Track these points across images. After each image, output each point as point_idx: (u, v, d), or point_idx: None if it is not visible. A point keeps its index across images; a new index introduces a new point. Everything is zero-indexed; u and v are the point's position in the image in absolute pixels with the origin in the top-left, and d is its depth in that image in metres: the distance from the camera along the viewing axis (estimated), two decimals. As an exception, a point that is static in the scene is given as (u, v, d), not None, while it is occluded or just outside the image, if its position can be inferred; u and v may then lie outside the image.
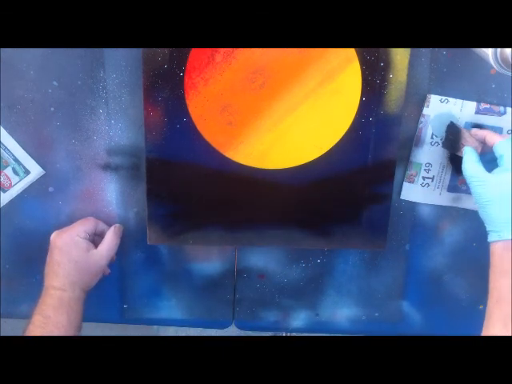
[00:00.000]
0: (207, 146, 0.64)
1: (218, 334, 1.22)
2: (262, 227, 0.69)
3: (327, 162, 0.65)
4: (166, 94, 0.62)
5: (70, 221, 0.68)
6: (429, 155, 0.68)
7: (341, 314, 0.77)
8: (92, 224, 0.67)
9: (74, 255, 0.64)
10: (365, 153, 0.65)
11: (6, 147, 0.67)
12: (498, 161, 0.59)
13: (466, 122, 0.67)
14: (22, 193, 0.69)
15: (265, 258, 0.74)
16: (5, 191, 0.69)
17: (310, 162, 0.65)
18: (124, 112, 0.65)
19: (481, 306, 0.76)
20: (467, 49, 0.63)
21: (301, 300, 0.76)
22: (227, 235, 0.69)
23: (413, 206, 0.71)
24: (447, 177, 0.69)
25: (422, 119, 0.66)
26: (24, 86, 0.64)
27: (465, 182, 0.70)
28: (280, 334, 1.27)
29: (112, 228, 0.68)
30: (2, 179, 0.68)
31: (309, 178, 0.66)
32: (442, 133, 0.67)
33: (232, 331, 0.82)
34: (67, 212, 0.70)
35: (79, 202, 0.70)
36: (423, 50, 0.63)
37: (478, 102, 0.66)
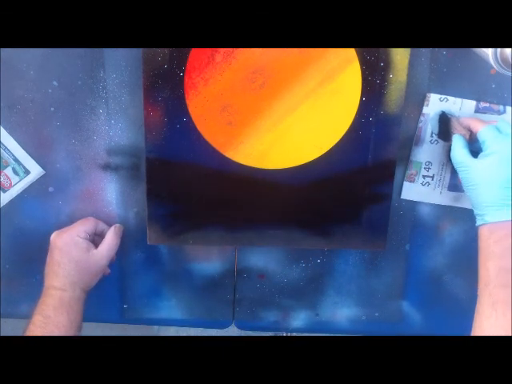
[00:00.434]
0: (207, 146, 0.64)
1: (217, 334, 1.22)
2: (261, 227, 0.69)
3: (327, 162, 0.65)
4: (165, 93, 0.62)
5: (70, 221, 0.68)
6: (429, 154, 0.68)
7: (341, 314, 0.77)
8: (92, 224, 0.67)
9: (75, 255, 0.64)
10: (365, 153, 0.65)
11: (6, 147, 0.67)
12: (481, 147, 0.60)
13: (466, 122, 0.67)
14: (22, 193, 0.69)
15: (265, 258, 0.74)
16: (5, 191, 0.69)
17: (309, 162, 0.65)
18: (124, 112, 0.65)
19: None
20: (467, 49, 0.63)
21: (301, 300, 0.76)
22: (227, 235, 0.69)
23: (413, 205, 0.71)
24: (447, 175, 0.69)
25: (421, 118, 0.66)
26: (24, 86, 0.64)
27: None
28: (280, 334, 1.27)
29: (112, 228, 0.68)
30: (1, 179, 0.68)
31: (309, 178, 0.66)
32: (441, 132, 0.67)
33: (232, 331, 0.82)
34: (67, 212, 0.70)
35: (79, 202, 0.70)
36: (423, 49, 0.63)
37: (478, 100, 0.66)
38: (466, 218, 0.72)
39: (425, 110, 0.66)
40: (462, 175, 0.60)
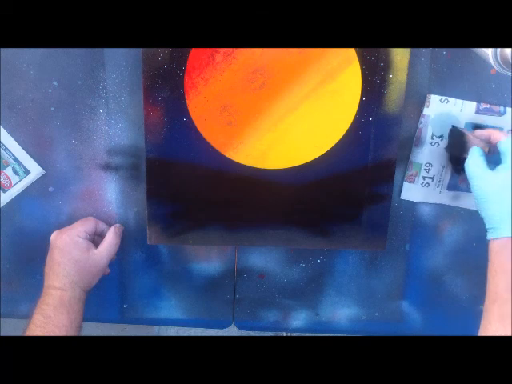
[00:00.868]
0: (207, 146, 0.64)
1: (217, 334, 1.22)
2: (261, 227, 0.69)
3: (327, 162, 0.65)
4: (165, 93, 0.62)
5: (70, 221, 0.68)
6: (429, 155, 0.68)
7: (341, 314, 0.77)
8: (92, 224, 0.67)
9: (75, 255, 0.64)
10: (365, 153, 0.65)
11: (6, 147, 0.67)
12: (501, 158, 0.59)
13: (466, 122, 0.67)
14: (21, 193, 0.69)
15: (265, 258, 0.74)
16: (5, 191, 0.69)
17: (309, 162, 0.65)
18: (124, 112, 0.65)
19: (481, 306, 0.76)
20: (467, 49, 0.63)
21: (301, 300, 0.76)
22: (227, 235, 0.69)
23: (413, 205, 0.71)
24: (447, 176, 0.69)
25: (422, 119, 0.66)
26: (24, 86, 0.64)
27: (465, 181, 0.70)
28: (280, 334, 1.27)
29: (112, 228, 0.68)
30: (1, 179, 0.68)
31: (309, 178, 0.66)
32: (442, 133, 0.67)
33: (232, 331, 0.82)
34: (67, 212, 0.70)
35: (79, 201, 0.70)
36: (423, 49, 0.63)
37: (478, 102, 0.66)
38: (466, 217, 0.72)
39: (425, 111, 0.66)
40: (477, 187, 0.58)
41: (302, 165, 0.65)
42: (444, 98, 0.65)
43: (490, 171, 0.58)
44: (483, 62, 0.55)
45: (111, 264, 0.70)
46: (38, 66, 0.63)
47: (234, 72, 0.61)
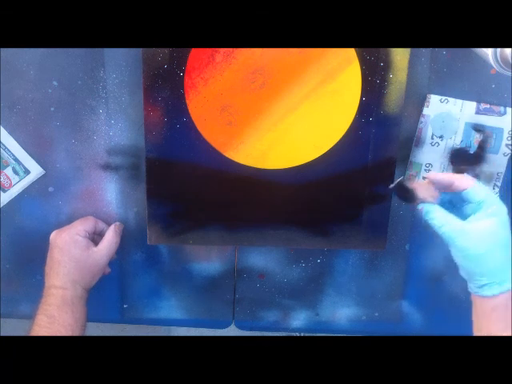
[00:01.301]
0: (207, 146, 0.64)
1: (217, 334, 1.22)
2: (261, 227, 0.69)
3: (327, 162, 0.65)
4: (165, 93, 0.62)
5: (70, 221, 0.68)
6: (429, 155, 0.68)
7: (341, 314, 0.77)
8: (91, 223, 0.67)
9: (74, 254, 0.64)
10: (365, 153, 0.65)
11: (6, 147, 0.67)
12: (472, 206, 0.53)
13: (466, 122, 0.67)
14: (21, 193, 0.69)
15: (265, 258, 0.74)
16: (5, 191, 0.69)
17: (309, 162, 0.65)
18: (124, 112, 0.65)
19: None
20: (467, 49, 0.63)
21: (301, 300, 0.76)
22: (227, 235, 0.69)
23: (413, 206, 0.71)
24: (447, 177, 0.69)
25: (422, 119, 0.66)
26: (24, 86, 0.64)
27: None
28: (280, 334, 1.27)
29: (112, 226, 0.68)
30: (1, 179, 0.68)
31: (309, 178, 0.66)
32: (442, 133, 0.67)
33: (232, 331, 0.82)
34: (67, 212, 0.70)
35: (79, 201, 0.70)
36: (423, 49, 0.63)
37: (478, 102, 0.66)
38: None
39: (425, 111, 0.66)
40: (453, 242, 0.51)
41: (302, 165, 0.65)
42: (444, 98, 0.65)
43: (466, 223, 0.51)
44: (483, 62, 0.55)
45: (111, 264, 0.70)
46: (37, 66, 0.63)
47: (234, 72, 0.61)
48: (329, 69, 0.61)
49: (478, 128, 0.67)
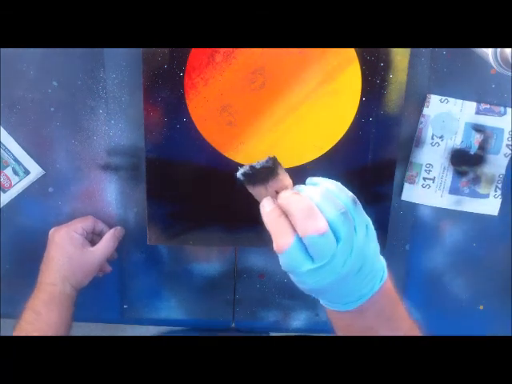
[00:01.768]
0: (207, 146, 0.64)
1: (218, 334, 1.22)
2: (262, 228, 0.69)
3: (327, 162, 0.65)
4: (165, 93, 0.62)
5: (69, 221, 0.68)
6: (429, 156, 0.68)
7: (341, 314, 0.77)
8: (91, 222, 0.67)
9: (69, 250, 0.64)
10: (365, 153, 0.65)
11: (5, 147, 0.67)
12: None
13: (466, 123, 0.67)
14: (21, 193, 0.69)
15: (265, 258, 0.73)
16: (5, 191, 0.69)
17: (310, 162, 0.65)
18: (124, 112, 0.65)
19: (481, 307, 0.76)
20: (467, 49, 0.63)
21: (301, 300, 0.76)
22: (227, 235, 0.69)
23: (413, 206, 0.71)
24: (448, 178, 0.69)
25: (422, 119, 0.66)
26: (24, 86, 0.64)
27: (467, 185, 0.69)
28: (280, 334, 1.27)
29: (112, 230, 0.68)
30: (1, 179, 0.68)
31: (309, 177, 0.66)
32: (442, 133, 0.67)
33: (232, 331, 0.82)
34: (67, 212, 0.70)
35: (79, 202, 0.70)
36: (423, 49, 0.63)
37: (478, 102, 0.66)
38: (466, 218, 0.72)
39: (425, 111, 0.66)
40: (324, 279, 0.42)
41: (302, 165, 0.65)
42: (444, 98, 0.65)
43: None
44: (483, 62, 0.55)
45: (111, 264, 0.70)
46: (37, 66, 0.63)
47: (233, 72, 0.61)
48: (329, 69, 0.61)
49: (478, 128, 0.67)
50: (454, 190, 0.70)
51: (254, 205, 0.68)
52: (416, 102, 0.66)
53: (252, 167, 0.45)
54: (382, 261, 0.48)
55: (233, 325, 0.78)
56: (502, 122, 0.66)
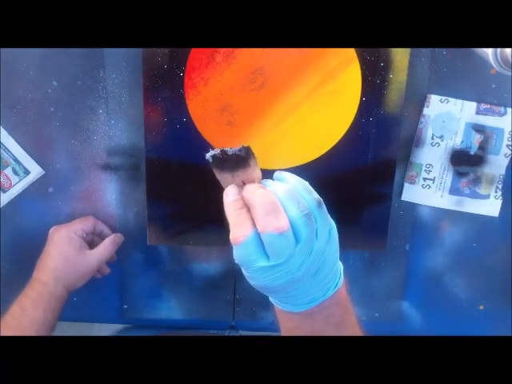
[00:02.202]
0: (207, 146, 0.64)
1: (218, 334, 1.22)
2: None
3: (327, 162, 0.65)
4: (165, 93, 0.62)
5: (69, 221, 0.68)
6: (429, 156, 0.68)
7: (341, 315, 0.77)
8: (91, 223, 0.67)
9: (66, 251, 0.64)
10: (365, 153, 0.65)
11: (5, 147, 0.67)
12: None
13: (467, 123, 0.67)
14: (21, 193, 0.69)
15: (265, 258, 0.73)
16: (5, 191, 0.69)
17: (309, 162, 0.65)
18: (124, 112, 0.65)
19: (481, 307, 0.76)
20: (467, 49, 0.63)
21: (301, 300, 0.76)
22: (227, 236, 0.69)
23: (413, 206, 0.71)
24: (449, 178, 0.69)
25: (422, 119, 0.66)
26: (24, 86, 0.64)
27: (468, 185, 0.69)
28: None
29: (112, 236, 0.68)
30: (1, 179, 0.68)
31: (309, 178, 0.66)
32: (442, 133, 0.67)
33: (232, 331, 0.82)
34: (67, 212, 0.70)
35: (79, 202, 0.70)
36: (423, 49, 0.63)
37: (479, 102, 0.66)
38: (466, 218, 0.71)
39: (425, 111, 0.66)
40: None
41: (302, 165, 0.65)
42: (444, 98, 0.65)
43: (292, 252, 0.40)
44: (483, 62, 0.55)
45: (111, 264, 0.70)
46: (37, 66, 0.63)
47: (233, 72, 0.61)
48: (329, 69, 0.61)
49: (478, 128, 0.67)
50: (454, 191, 0.70)
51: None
52: (416, 101, 0.66)
53: (223, 151, 0.43)
54: (340, 266, 0.46)
55: (233, 325, 0.78)
56: (503, 122, 0.66)
